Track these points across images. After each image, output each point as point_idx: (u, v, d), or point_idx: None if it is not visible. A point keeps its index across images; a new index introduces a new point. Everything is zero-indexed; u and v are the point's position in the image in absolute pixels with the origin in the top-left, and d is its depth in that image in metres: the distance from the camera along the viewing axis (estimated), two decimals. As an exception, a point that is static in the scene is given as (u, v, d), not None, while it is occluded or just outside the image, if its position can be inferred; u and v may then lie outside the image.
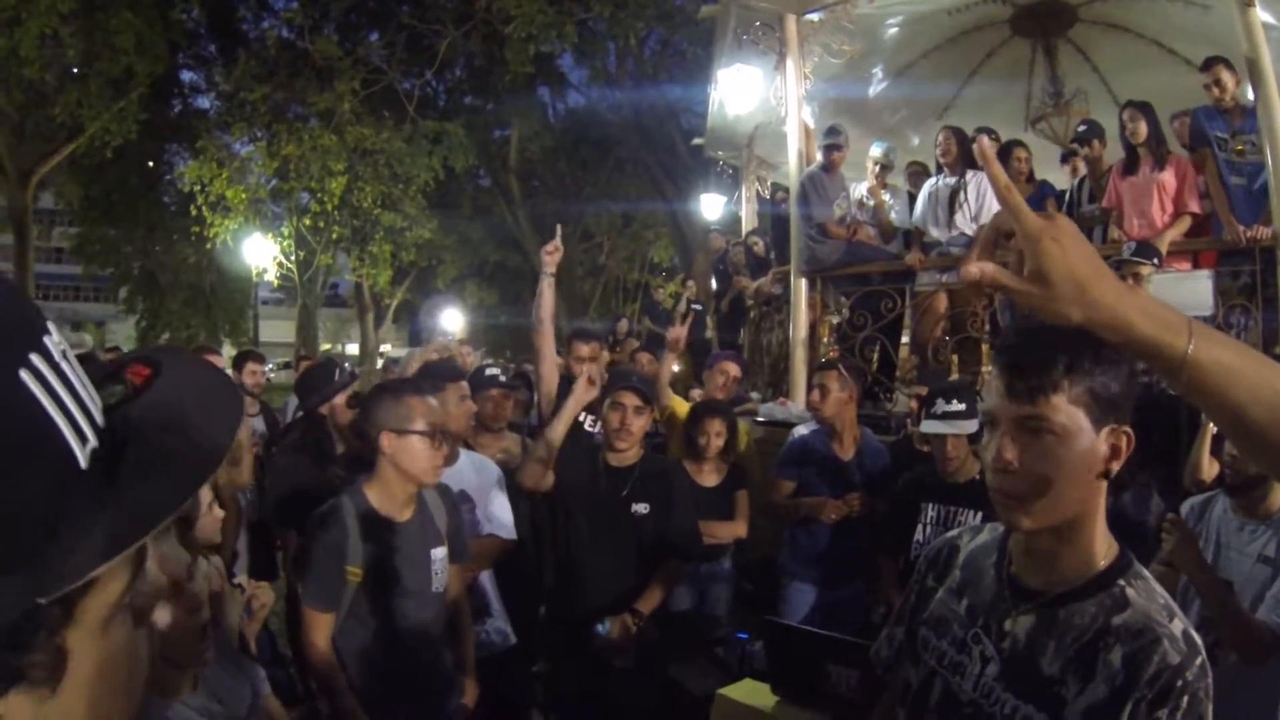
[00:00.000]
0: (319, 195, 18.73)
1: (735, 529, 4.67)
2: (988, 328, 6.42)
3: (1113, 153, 6.63)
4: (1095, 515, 1.42)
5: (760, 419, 6.67)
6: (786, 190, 8.25)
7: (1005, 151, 7.03)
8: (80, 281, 37.88)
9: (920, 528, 3.81)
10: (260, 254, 20.87)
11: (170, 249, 25.49)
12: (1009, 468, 1.38)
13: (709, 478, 4.69)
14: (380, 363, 18.70)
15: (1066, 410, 1.36)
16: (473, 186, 25.40)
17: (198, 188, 18.51)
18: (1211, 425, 3.73)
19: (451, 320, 25.41)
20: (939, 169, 6.98)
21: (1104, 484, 1.40)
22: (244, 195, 18.85)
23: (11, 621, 0.54)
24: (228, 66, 19.21)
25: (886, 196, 7.69)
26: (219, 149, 18.80)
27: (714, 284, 12.00)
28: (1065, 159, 7.17)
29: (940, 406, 3.70)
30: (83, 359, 0.63)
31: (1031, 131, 8.56)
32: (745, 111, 9.41)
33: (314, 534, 2.90)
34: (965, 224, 6.59)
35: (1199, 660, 1.30)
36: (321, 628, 2.80)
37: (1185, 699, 1.26)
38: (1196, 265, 5.84)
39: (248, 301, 30.68)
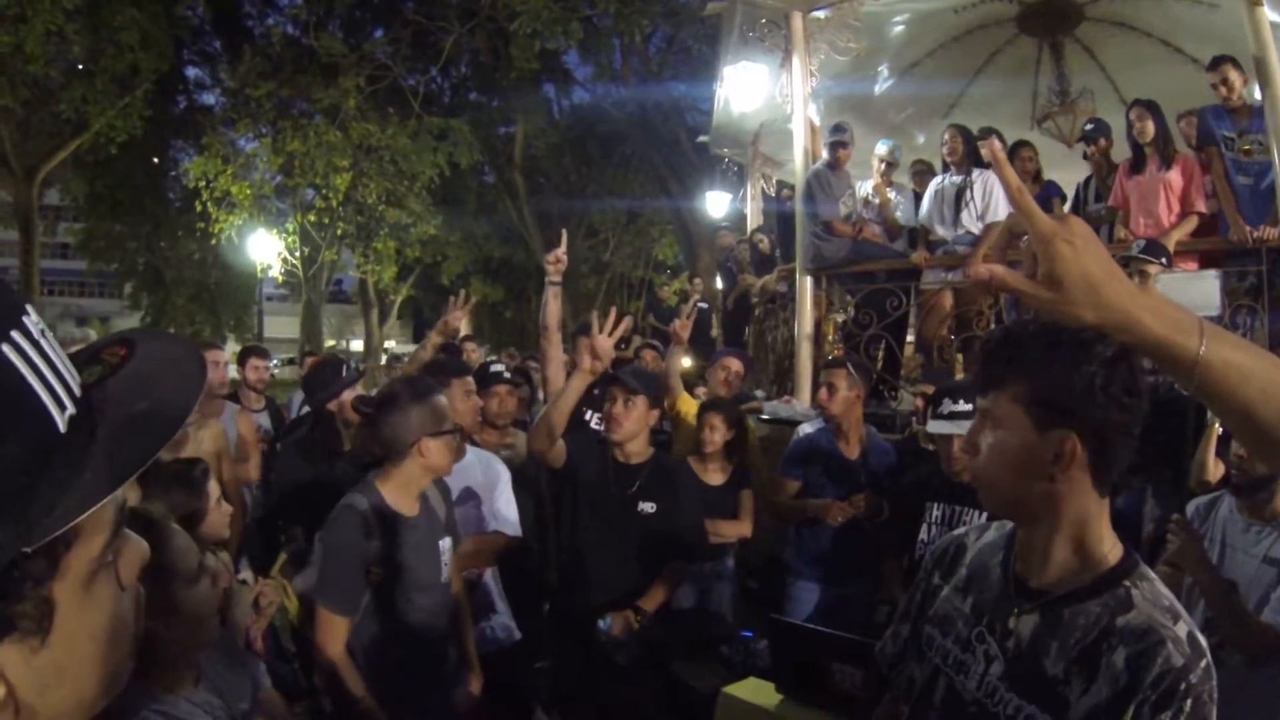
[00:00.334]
0: (324, 191, 18.76)
1: (740, 528, 4.68)
2: (993, 326, 6.40)
3: (1119, 152, 6.62)
4: (1094, 515, 1.43)
5: (765, 417, 6.67)
6: (792, 188, 8.24)
7: (1011, 152, 7.02)
8: (85, 277, 37.93)
9: (925, 527, 3.80)
10: (265, 250, 20.92)
11: (175, 245, 25.55)
12: (966, 453, 1.46)
13: (714, 476, 4.70)
14: (384, 359, 18.72)
15: (1006, 407, 1.41)
16: (477, 183, 25.40)
17: (203, 184, 18.54)
18: (1217, 426, 3.72)
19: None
20: (945, 167, 6.96)
21: (1063, 487, 1.40)
22: (249, 191, 18.87)
23: (1, 571, 0.60)
24: (233, 63, 19.23)
25: (892, 195, 7.68)
26: (224, 145, 18.82)
27: (719, 282, 12.00)
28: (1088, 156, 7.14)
29: (947, 406, 3.69)
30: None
31: (1037, 130, 8.53)
32: (751, 109, 9.40)
33: (332, 534, 2.86)
34: (971, 222, 6.58)
35: (1203, 663, 1.29)
36: (340, 631, 2.77)
37: (1189, 702, 1.26)
38: (1203, 265, 5.83)
39: (252, 298, 30.74)
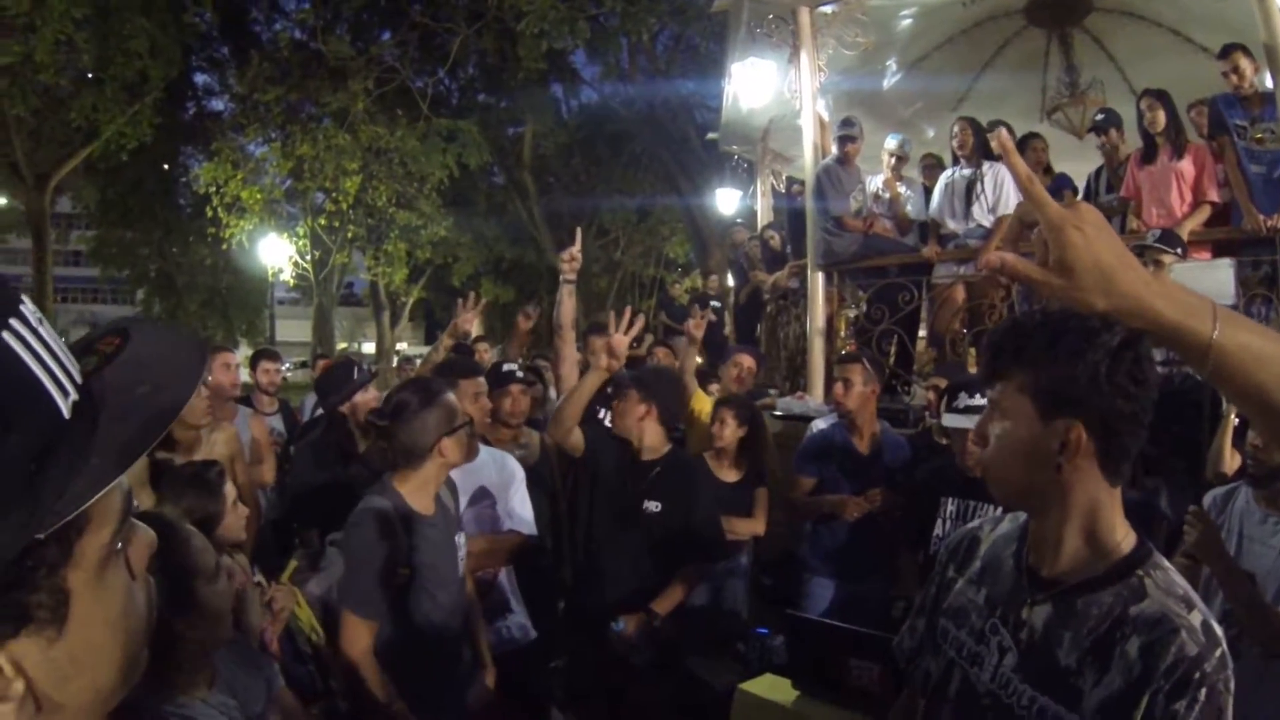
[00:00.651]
0: (334, 195, 18.79)
1: (754, 526, 4.68)
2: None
3: (1130, 142, 6.58)
4: (1104, 505, 1.42)
5: (778, 413, 6.66)
6: (802, 184, 8.22)
7: (1022, 144, 7.00)
8: (98, 284, 38.21)
9: (940, 522, 3.79)
10: (276, 254, 21.00)
11: (186, 250, 25.67)
12: (975, 444, 1.47)
13: (729, 473, 4.70)
14: (395, 361, 18.76)
15: (1013, 397, 1.41)
16: (487, 184, 25.41)
17: (213, 189, 18.60)
18: (1233, 416, 3.71)
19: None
20: (955, 160, 6.94)
21: (1071, 476, 1.39)
22: (259, 196, 18.93)
23: (14, 559, 0.60)
24: (241, 68, 19.27)
25: (902, 189, 7.66)
26: (234, 150, 18.86)
27: (730, 279, 11.98)
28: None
29: (962, 400, 3.67)
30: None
31: (1047, 122, 8.50)
32: (759, 105, 9.40)
33: (355, 538, 2.84)
34: (982, 215, 6.56)
35: (1218, 652, 1.28)
36: (365, 635, 2.76)
37: (1204, 691, 1.24)
38: (1217, 255, 5.80)
39: (264, 301, 30.89)
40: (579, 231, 4.27)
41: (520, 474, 3.98)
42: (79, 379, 0.66)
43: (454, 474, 3.41)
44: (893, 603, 4.50)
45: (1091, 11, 8.21)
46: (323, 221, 20.36)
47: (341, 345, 30.16)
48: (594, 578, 3.79)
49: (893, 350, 7.11)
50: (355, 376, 4.37)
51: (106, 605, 0.68)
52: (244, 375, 6.39)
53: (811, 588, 4.54)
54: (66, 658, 0.65)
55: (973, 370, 5.79)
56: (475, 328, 5.75)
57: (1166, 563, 1.42)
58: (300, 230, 21.15)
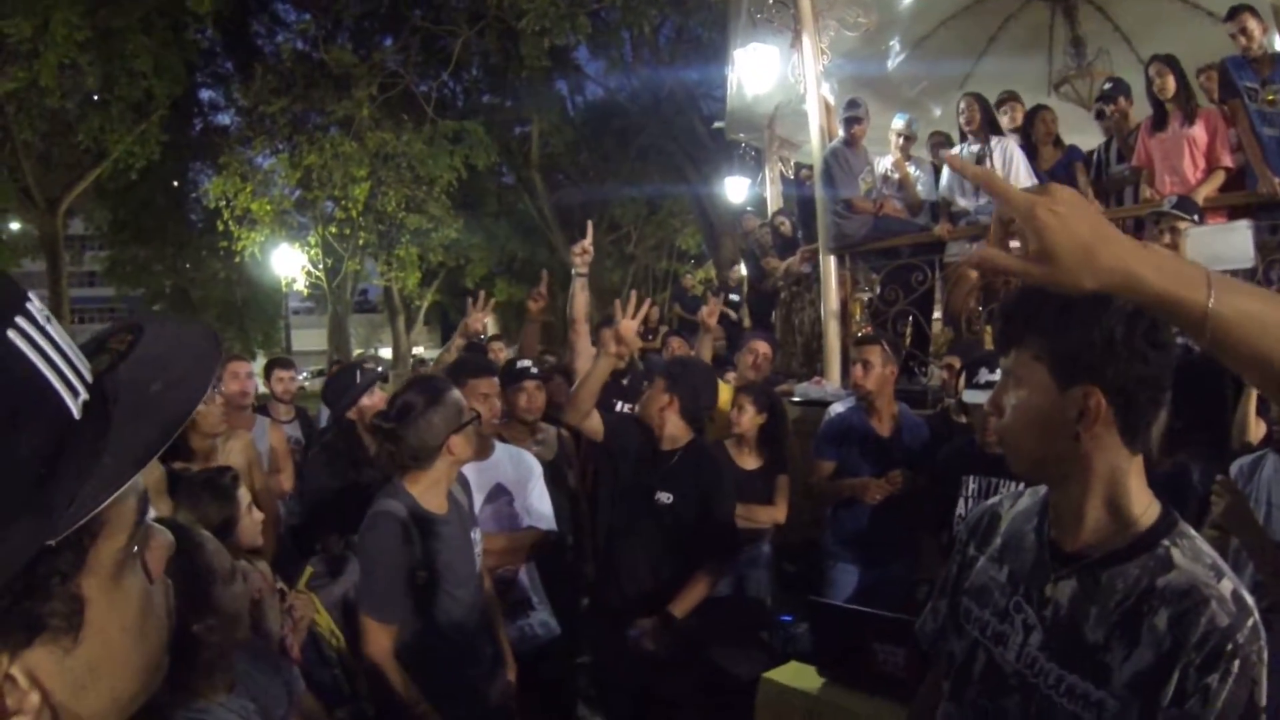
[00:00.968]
0: (343, 203, 18.89)
1: (774, 514, 4.64)
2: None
3: (1139, 111, 6.50)
4: (1126, 473, 1.38)
5: (796, 399, 6.62)
6: (810, 169, 8.18)
7: (1030, 115, 6.92)
8: (114, 303, 38.43)
9: (962, 501, 3.75)
10: (288, 264, 21.08)
11: (200, 265, 25.87)
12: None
13: (748, 460, 4.67)
14: (411, 365, 18.81)
15: (1028, 365, 1.38)
16: (496, 184, 25.48)
17: (223, 203, 18.73)
18: (1258, 383, 3.64)
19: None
20: (963, 137, 6.87)
21: (1090, 445, 1.36)
22: (269, 207, 19.03)
23: (26, 567, 0.58)
24: (245, 82, 19.34)
25: (911, 169, 7.60)
26: (241, 163, 18.96)
27: (743, 267, 11.95)
28: (1100, 115, 7.02)
29: (982, 375, 3.63)
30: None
31: (1055, 96, 8.41)
32: (764, 91, 9.34)
33: (371, 542, 2.83)
34: (993, 191, 6.48)
35: (1250, 622, 1.23)
36: (386, 638, 2.75)
37: (1236, 663, 1.19)
38: (1233, 220, 5.71)
39: (279, 312, 31.07)
40: (590, 225, 4.25)
41: (538, 469, 3.96)
42: (90, 378, 0.64)
43: (470, 471, 3.40)
44: (917, 586, 4.46)
45: (1095, -19, 8.13)
46: (333, 230, 20.45)
47: (358, 352, 30.28)
48: (611, 572, 3.77)
49: (908, 331, 7.06)
50: (358, 380, 4.37)
51: (123, 611, 0.67)
52: (261, 386, 6.41)
53: (835, 573, 4.50)
54: (84, 666, 0.63)
55: (990, 348, 5.74)
56: (490, 327, 5.75)
57: (1193, 531, 1.37)
58: (312, 239, 21.24)
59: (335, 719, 3.03)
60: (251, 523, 2.88)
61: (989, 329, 6.50)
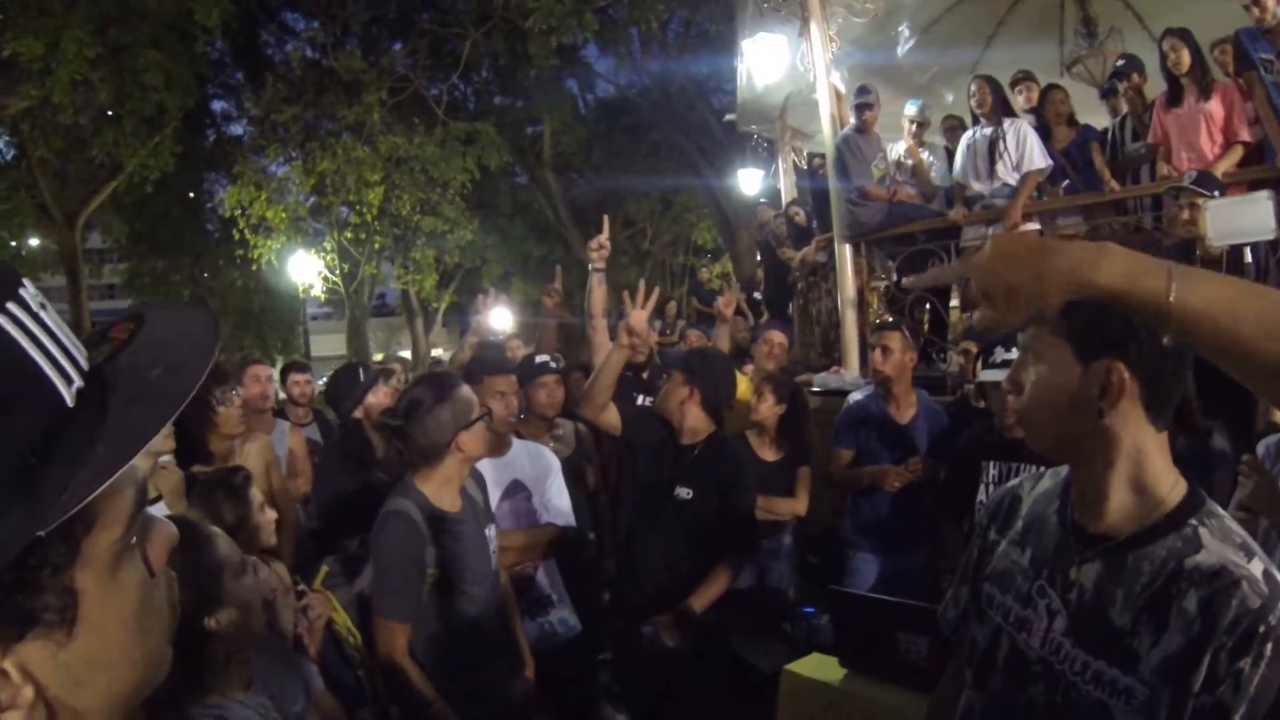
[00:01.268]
0: (358, 207, 18.90)
1: (795, 505, 4.60)
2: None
3: (1153, 88, 6.40)
4: (1151, 451, 1.33)
5: (815, 389, 6.58)
6: (823, 158, 8.12)
7: (1043, 96, 6.85)
8: (134, 315, 38.76)
9: (983, 487, 3.70)
10: (305, 271, 21.12)
11: (217, 274, 25.98)
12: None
13: (769, 451, 4.63)
14: (430, 366, 18.84)
15: (1047, 339, 1.35)
16: (510, 184, 25.47)
17: (238, 212, 18.78)
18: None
19: (501, 318, 25.46)
20: (975, 120, 6.80)
21: (1114, 421, 1.32)
22: (284, 215, 19.06)
23: (17, 559, 0.57)
24: (256, 92, 19.41)
25: (925, 154, 7.54)
26: (255, 172, 19.00)
27: (759, 257, 11.91)
28: (1105, 94, 6.94)
29: (999, 355, 3.57)
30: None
31: (1067, 76, 8.31)
32: (774, 81, 9.27)
33: (383, 542, 2.81)
34: (1007, 174, 6.42)
35: None
36: (400, 638, 2.74)
37: (1269, 646, 1.15)
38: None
39: (297, 318, 31.14)
40: (606, 220, 4.22)
41: (556, 465, 3.94)
42: (85, 365, 0.63)
43: (487, 468, 3.38)
44: (939, 574, 4.41)
45: (1106, -42, 8.02)
46: (349, 235, 20.48)
47: (378, 356, 30.32)
48: (630, 568, 3.74)
49: (925, 318, 7.00)
50: (360, 380, 4.36)
51: (121, 604, 0.65)
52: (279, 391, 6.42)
53: (856, 563, 4.45)
54: (79, 661, 0.62)
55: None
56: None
57: (1221, 510, 1.33)
58: (327, 245, 21.28)
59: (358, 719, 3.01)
60: (265, 522, 2.87)
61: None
